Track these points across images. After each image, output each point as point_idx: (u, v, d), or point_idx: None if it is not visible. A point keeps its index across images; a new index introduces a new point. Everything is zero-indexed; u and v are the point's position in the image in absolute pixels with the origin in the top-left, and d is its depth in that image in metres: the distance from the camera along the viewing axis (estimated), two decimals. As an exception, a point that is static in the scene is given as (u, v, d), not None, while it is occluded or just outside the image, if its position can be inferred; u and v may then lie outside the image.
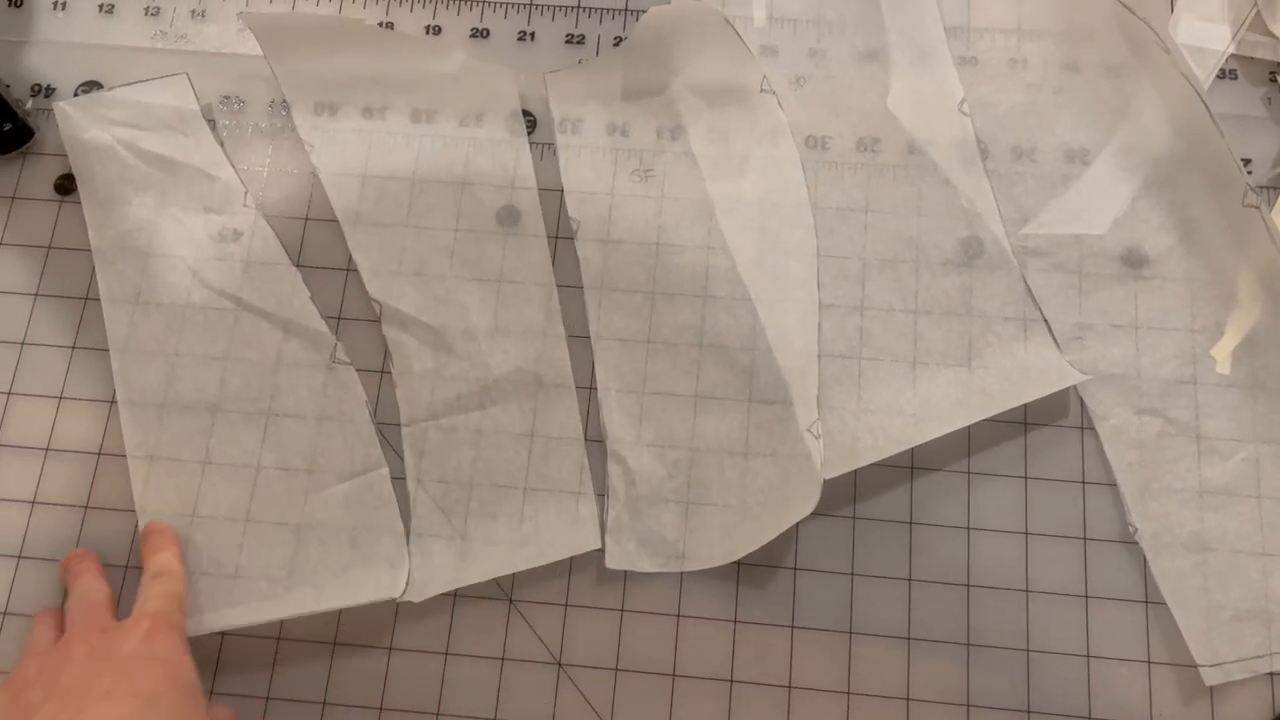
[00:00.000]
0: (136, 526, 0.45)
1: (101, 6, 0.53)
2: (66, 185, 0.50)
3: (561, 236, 0.49)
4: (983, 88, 0.50)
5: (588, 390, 0.47)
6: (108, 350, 0.48)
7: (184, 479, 0.46)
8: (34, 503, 0.46)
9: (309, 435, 0.46)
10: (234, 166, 0.50)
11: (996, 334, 0.47)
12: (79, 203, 0.50)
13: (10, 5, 0.54)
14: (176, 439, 0.46)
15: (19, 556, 0.45)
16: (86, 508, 0.46)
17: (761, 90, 0.50)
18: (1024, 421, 0.46)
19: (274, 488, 0.46)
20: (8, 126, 0.50)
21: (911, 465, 0.45)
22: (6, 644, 0.44)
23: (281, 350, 0.47)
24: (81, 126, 0.50)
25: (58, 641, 0.39)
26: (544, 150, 0.50)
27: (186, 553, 0.44)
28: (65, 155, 0.51)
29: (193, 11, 0.53)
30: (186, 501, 0.46)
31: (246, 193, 0.49)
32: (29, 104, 0.52)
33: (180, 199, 0.50)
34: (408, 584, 0.44)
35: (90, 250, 0.49)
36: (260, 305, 0.48)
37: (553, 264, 0.49)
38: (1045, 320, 0.47)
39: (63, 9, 0.53)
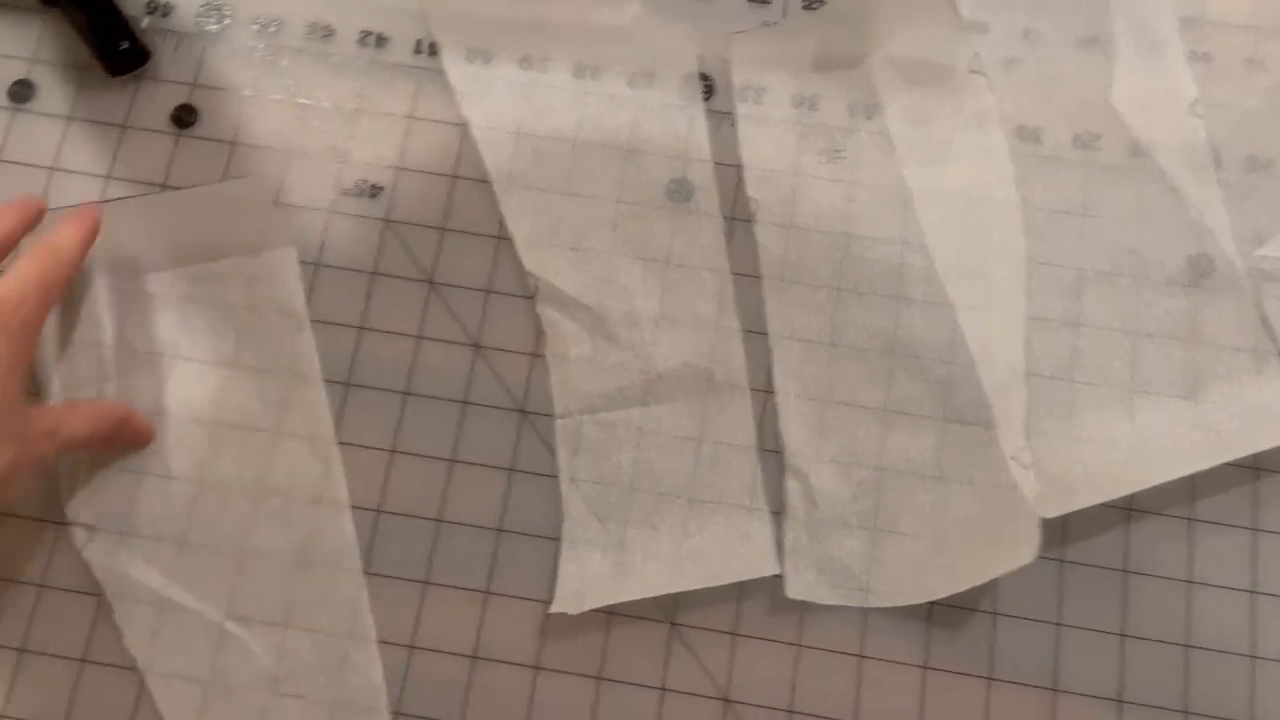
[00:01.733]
0: None
1: (231, -82, 0.47)
2: (185, 117, 0.45)
3: (737, 218, 0.44)
4: (1215, 88, 0.45)
5: (762, 394, 0.42)
6: (227, 307, 0.42)
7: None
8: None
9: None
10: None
11: (1226, 365, 0.42)
12: (198, 137, 0.45)
13: (126, -90, 0.48)
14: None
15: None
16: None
17: (970, 70, 0.45)
18: (1255, 467, 0.41)
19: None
20: (124, 45, 0.44)
21: (1129, 507, 0.40)
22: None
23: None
24: None
25: None
26: (721, 120, 0.45)
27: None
28: (185, 84, 0.45)
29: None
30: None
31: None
32: (145, 22, 0.46)
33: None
34: (556, 595, 0.39)
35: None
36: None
37: (727, 248, 0.43)
38: (1282, 354, 0.42)
39: (185, -82, 0.48)
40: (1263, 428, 0.40)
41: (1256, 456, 0.41)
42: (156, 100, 0.45)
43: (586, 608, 0.39)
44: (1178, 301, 0.43)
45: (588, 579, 0.40)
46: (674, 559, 0.40)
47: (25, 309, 0.35)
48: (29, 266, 0.37)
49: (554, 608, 0.39)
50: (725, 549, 0.40)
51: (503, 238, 0.43)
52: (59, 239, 0.38)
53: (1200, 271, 0.43)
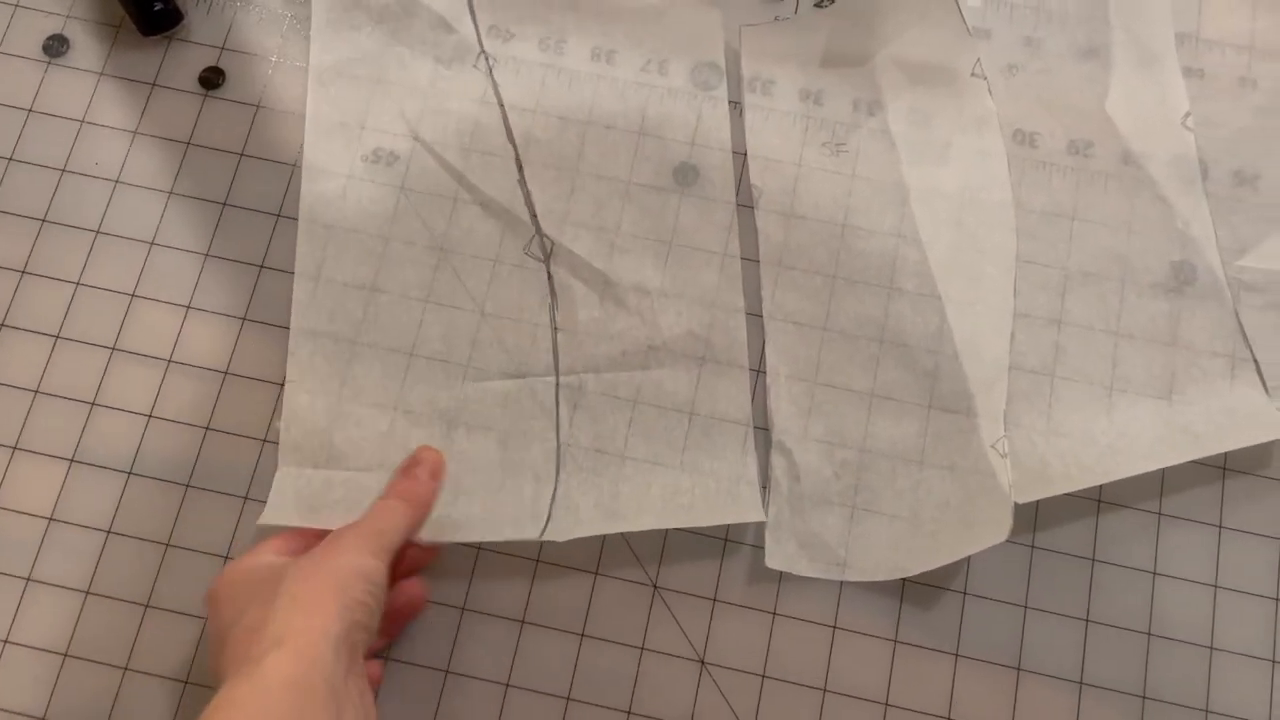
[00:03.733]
0: (275, 410, 0.42)
1: (267, -110, 0.49)
2: (212, 79, 0.47)
3: (741, 204, 0.45)
4: (1207, 104, 0.47)
5: (756, 374, 0.43)
6: (243, 263, 0.44)
7: (336, 359, 0.43)
8: (150, 416, 0.43)
9: (473, 326, 0.43)
10: (476, 26, 0.46)
11: (1202, 369, 0.43)
12: (224, 99, 0.46)
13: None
14: (333, 311, 0.43)
15: (129, 473, 0.42)
16: (207, 428, 0.42)
17: (972, 74, 0.47)
18: (1223, 466, 0.43)
19: (430, 374, 0.43)
20: (158, 7, 0.46)
21: (1099, 499, 0.42)
22: (110, 562, 0.41)
23: (474, 229, 0.45)
24: None
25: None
26: (729, 109, 0.47)
27: (332, 436, 0.42)
28: (214, 46, 0.47)
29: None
30: (335, 377, 0.43)
31: (480, 54, 0.46)
32: (178, -15, 0.47)
33: (411, 41, 0.46)
34: (548, 521, 0.41)
35: (234, 153, 0.46)
36: (473, 180, 0.45)
37: (730, 231, 0.45)
38: (1256, 361, 0.43)
39: (223, -113, 0.49)
40: (1233, 429, 0.42)
41: (1225, 457, 0.42)
42: (186, 61, 0.47)
43: (578, 535, 0.40)
44: (1159, 306, 0.44)
45: (580, 519, 0.41)
46: (663, 510, 0.41)
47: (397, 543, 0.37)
48: (407, 513, 0.38)
49: (544, 535, 0.40)
50: (713, 504, 0.42)
51: (513, 210, 0.45)
52: (425, 492, 0.40)
53: (1183, 278, 0.45)
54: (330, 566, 0.34)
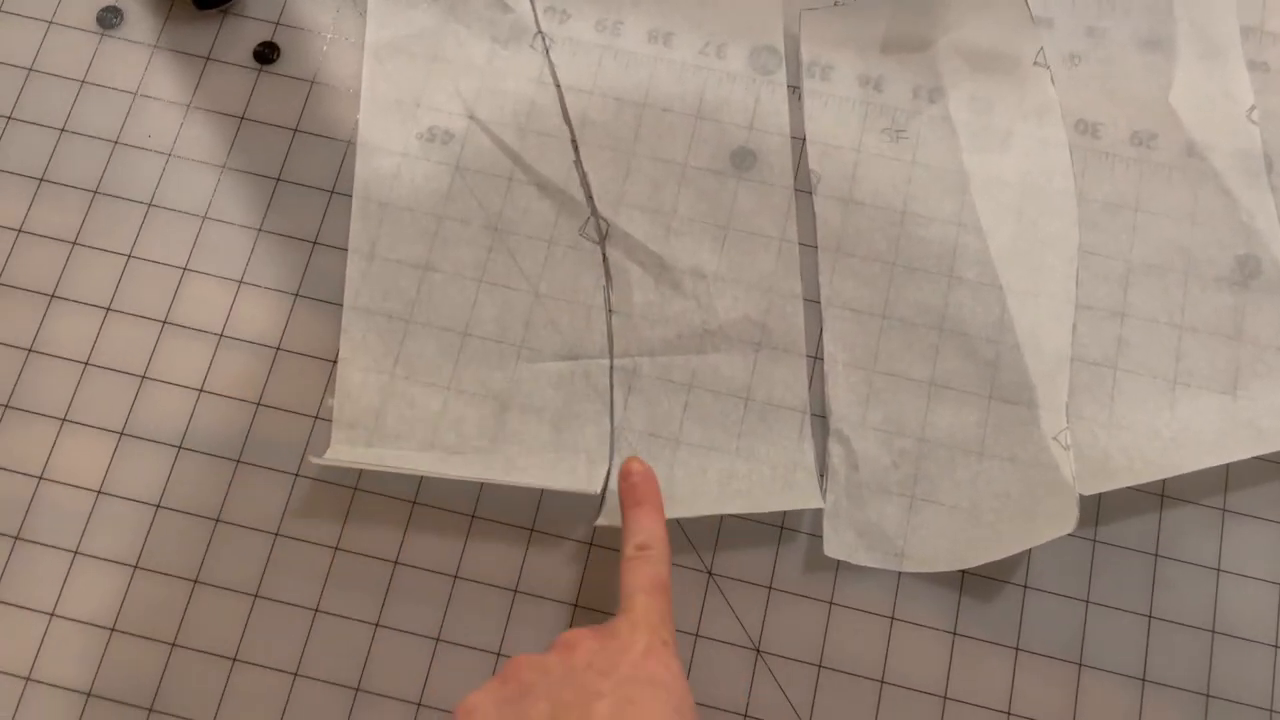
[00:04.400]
0: (327, 388, 0.42)
1: None
2: (267, 54, 0.46)
3: (799, 190, 0.45)
4: (1273, 98, 0.46)
5: (813, 360, 0.43)
6: (296, 238, 0.44)
7: (389, 337, 0.42)
8: (201, 390, 0.42)
9: (527, 307, 0.43)
10: (533, 4, 0.46)
11: (1267, 365, 0.43)
12: (280, 74, 0.46)
13: None
14: (387, 289, 0.43)
15: (179, 447, 0.41)
16: (258, 404, 0.42)
17: (1035, 63, 0.46)
18: (1289, 464, 0.42)
19: (483, 354, 0.42)
20: (214, -21, 0.46)
21: (1162, 494, 0.41)
22: (159, 537, 0.40)
23: (529, 209, 0.44)
24: None
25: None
26: (788, 94, 0.46)
27: (385, 415, 0.41)
28: (269, 21, 0.47)
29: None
30: (389, 356, 0.42)
31: (537, 34, 0.46)
32: (234, -40, 0.47)
33: (469, 19, 0.46)
34: (602, 506, 0.40)
35: (288, 129, 0.45)
36: (528, 160, 0.45)
37: (788, 216, 0.44)
38: (1323, 358, 0.43)
39: None
40: (1298, 426, 0.41)
41: (1291, 454, 0.42)
42: (241, 35, 0.46)
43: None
44: (1224, 299, 0.44)
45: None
46: (718, 495, 0.41)
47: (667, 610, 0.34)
48: (648, 572, 0.35)
49: (599, 521, 0.40)
50: (770, 490, 0.41)
51: (568, 191, 0.44)
52: (650, 532, 0.36)
53: (1248, 272, 0.44)
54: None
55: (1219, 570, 0.41)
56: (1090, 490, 0.40)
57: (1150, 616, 0.40)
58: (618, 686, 0.31)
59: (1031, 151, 0.45)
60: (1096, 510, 0.41)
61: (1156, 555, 0.41)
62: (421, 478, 0.41)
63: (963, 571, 0.41)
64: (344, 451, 0.41)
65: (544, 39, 0.46)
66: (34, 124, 0.45)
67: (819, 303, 0.44)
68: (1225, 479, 0.42)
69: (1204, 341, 0.43)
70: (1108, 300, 0.44)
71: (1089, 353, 0.43)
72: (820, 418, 0.42)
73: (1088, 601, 0.40)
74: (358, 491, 0.41)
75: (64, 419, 0.42)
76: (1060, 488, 0.40)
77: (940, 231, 0.44)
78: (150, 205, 0.44)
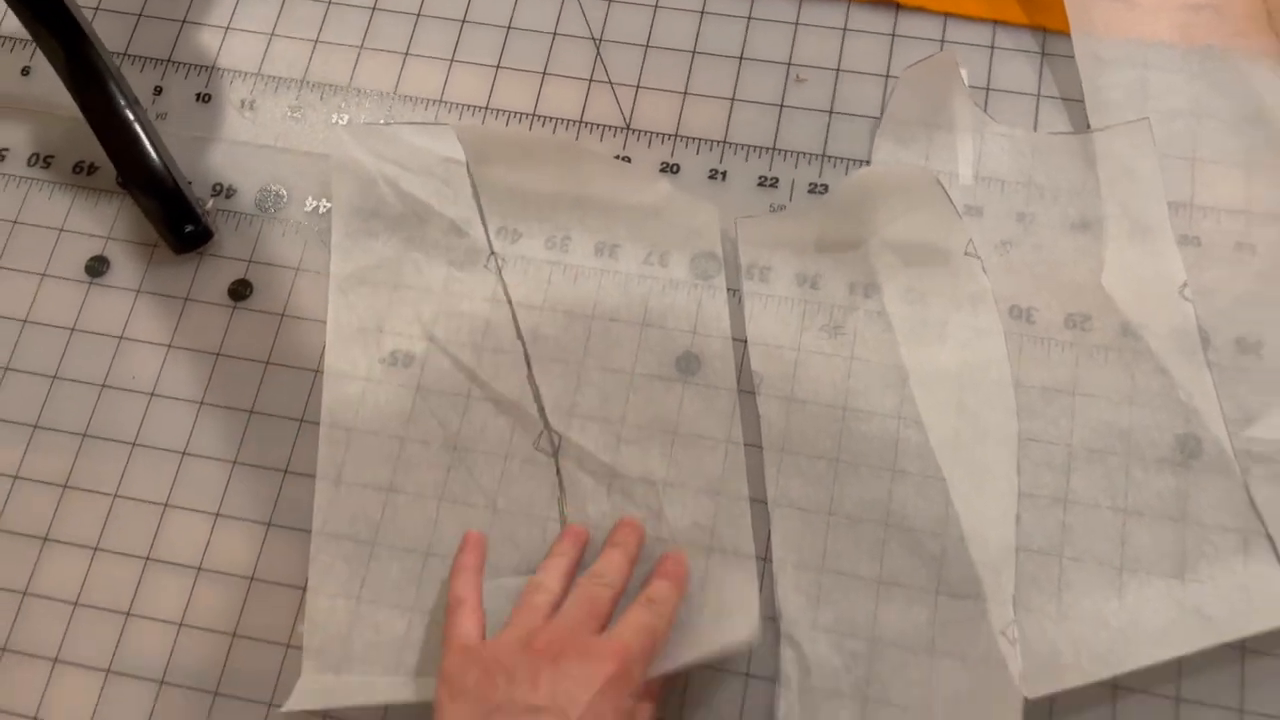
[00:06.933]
0: (298, 615, 0.43)
1: (291, 109, 0.53)
2: (241, 290, 0.49)
3: (742, 390, 0.47)
4: (1206, 271, 0.47)
5: (763, 562, 0.44)
6: (268, 468, 0.46)
7: (355, 562, 0.45)
8: (180, 624, 0.45)
9: (485, 523, 0.45)
10: (486, 228, 0.49)
11: (1214, 545, 0.43)
12: (252, 310, 0.49)
13: (198, 100, 0.53)
14: (353, 514, 0.46)
15: (161, 682, 0.44)
16: (234, 635, 0.44)
17: (966, 253, 0.48)
18: (1243, 648, 0.42)
19: (444, 573, 0.44)
20: (190, 228, 0.49)
21: (1116, 684, 0.42)
22: (142, 776, 0.42)
23: (486, 426, 0.47)
24: (353, 154, 0.50)
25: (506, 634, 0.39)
26: (729, 297, 0.48)
27: (352, 641, 0.43)
28: (242, 260, 0.50)
29: (384, 119, 0.52)
30: (355, 580, 0.44)
31: (490, 255, 0.49)
32: (209, 203, 0.51)
33: (426, 246, 0.49)
34: None
35: (260, 361, 0.48)
36: (484, 377, 0.47)
37: (733, 419, 0.46)
38: (1270, 537, 0.43)
39: (250, 109, 0.53)
40: (1250, 610, 0.41)
41: (1244, 637, 0.42)
42: (216, 275, 0.50)
43: None
44: (1166, 481, 0.44)
45: None
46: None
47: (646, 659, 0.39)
48: (646, 618, 0.39)
49: None
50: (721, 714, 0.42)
51: (523, 406, 0.47)
52: (664, 594, 0.40)
53: (1189, 452, 0.44)
54: None
55: (1177, 763, 0.41)
56: (1037, 693, 0.40)
57: (1109, 816, 0.40)
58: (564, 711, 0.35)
59: (968, 342, 0.47)
60: (1049, 704, 0.41)
61: (1112, 750, 0.41)
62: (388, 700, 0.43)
63: (917, 774, 0.41)
64: (313, 682, 0.43)
65: (497, 259, 0.49)
66: (29, 373, 0.48)
67: (765, 503, 0.45)
68: (1179, 666, 0.42)
69: (1148, 525, 0.44)
70: (1050, 487, 0.44)
71: (1034, 541, 0.44)
72: (772, 620, 0.43)
73: (1044, 802, 0.40)
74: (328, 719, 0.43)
75: (55, 659, 0.44)
76: (1007, 692, 0.40)
77: (881, 426, 0.46)
78: (134, 445, 0.47)
